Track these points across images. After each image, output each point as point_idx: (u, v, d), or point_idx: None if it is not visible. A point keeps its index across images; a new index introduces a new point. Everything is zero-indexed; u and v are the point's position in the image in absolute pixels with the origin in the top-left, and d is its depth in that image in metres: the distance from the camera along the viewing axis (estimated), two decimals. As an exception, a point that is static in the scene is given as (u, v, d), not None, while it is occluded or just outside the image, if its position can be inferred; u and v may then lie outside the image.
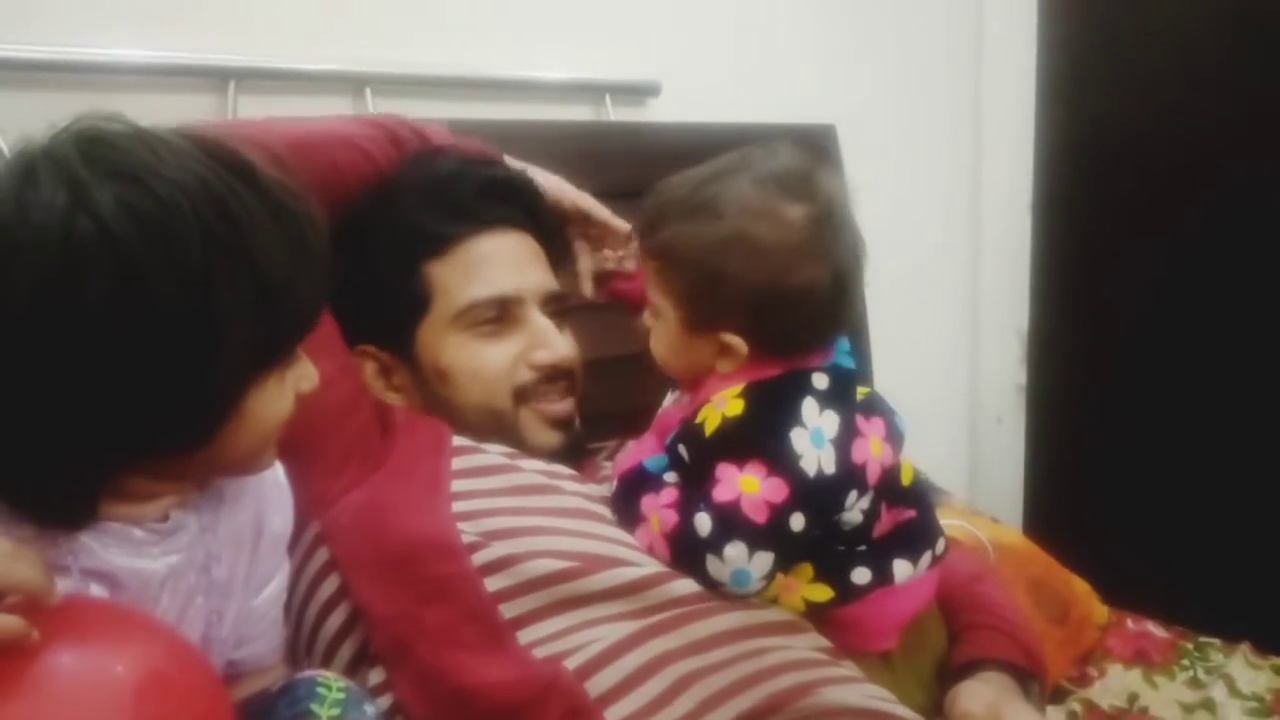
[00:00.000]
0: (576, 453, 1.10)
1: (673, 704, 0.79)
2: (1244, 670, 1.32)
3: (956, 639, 1.03)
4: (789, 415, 0.89)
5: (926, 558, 0.96)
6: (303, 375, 0.77)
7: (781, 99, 1.81)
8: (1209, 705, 1.25)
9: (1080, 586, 1.48)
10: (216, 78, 1.23)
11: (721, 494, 0.87)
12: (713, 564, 0.87)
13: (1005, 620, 1.05)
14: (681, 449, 0.93)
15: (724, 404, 0.91)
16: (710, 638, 0.84)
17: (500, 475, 0.96)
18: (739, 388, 0.92)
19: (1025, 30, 2.14)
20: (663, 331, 0.97)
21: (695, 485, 0.90)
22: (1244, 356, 1.93)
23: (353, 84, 1.35)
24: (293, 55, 1.30)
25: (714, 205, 0.93)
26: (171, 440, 0.69)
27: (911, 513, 0.98)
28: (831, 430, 0.90)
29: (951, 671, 1.00)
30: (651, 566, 0.89)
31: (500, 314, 1.05)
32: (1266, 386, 1.90)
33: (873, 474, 0.92)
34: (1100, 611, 1.47)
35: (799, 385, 0.91)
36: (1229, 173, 1.92)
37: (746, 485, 0.87)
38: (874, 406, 0.97)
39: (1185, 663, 1.36)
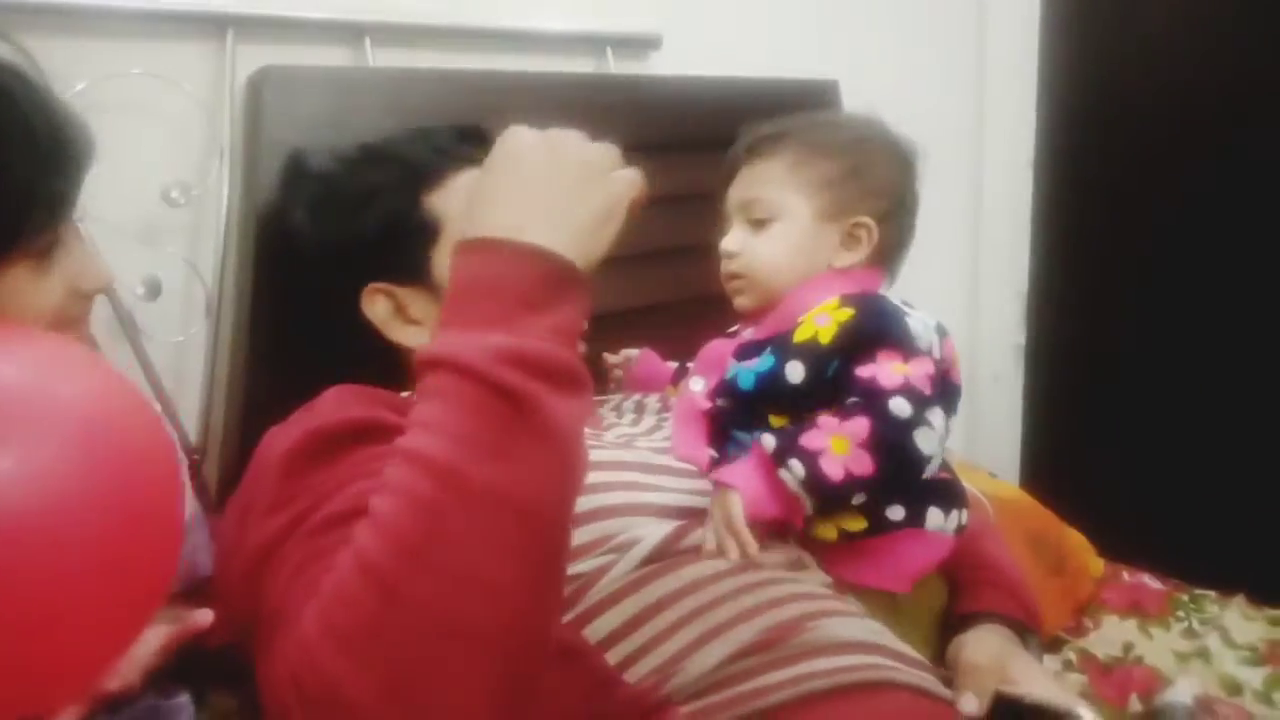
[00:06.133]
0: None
1: (671, 639, 0.79)
2: (1238, 621, 1.33)
3: (958, 592, 1.05)
4: (896, 308, 0.97)
5: (955, 518, 0.97)
6: (82, 272, 0.75)
7: (784, 54, 1.79)
8: (1203, 654, 1.26)
9: (1076, 539, 1.49)
10: (214, 25, 1.22)
11: (889, 380, 0.90)
12: (923, 437, 0.89)
13: (1005, 576, 1.07)
14: (792, 369, 0.94)
15: (827, 317, 0.95)
16: (711, 575, 0.84)
17: None
18: (834, 300, 0.97)
19: (1028, -14, 2.12)
20: (782, 232, 1.03)
21: (841, 395, 0.92)
22: (1242, 315, 1.93)
23: (352, 33, 1.34)
24: (291, 3, 1.28)
25: (849, 118, 1.10)
26: None
27: (947, 475, 1.01)
28: (931, 319, 0.99)
29: (952, 623, 1.02)
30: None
31: None
32: (1263, 344, 1.90)
33: (958, 376, 0.99)
34: (1096, 564, 1.48)
35: (883, 296, 1.01)
36: (1232, 130, 1.91)
37: (897, 370, 0.91)
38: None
39: (1180, 614, 1.37)
